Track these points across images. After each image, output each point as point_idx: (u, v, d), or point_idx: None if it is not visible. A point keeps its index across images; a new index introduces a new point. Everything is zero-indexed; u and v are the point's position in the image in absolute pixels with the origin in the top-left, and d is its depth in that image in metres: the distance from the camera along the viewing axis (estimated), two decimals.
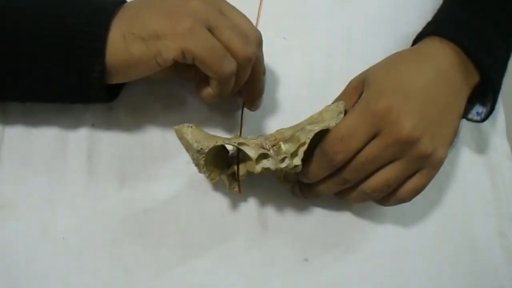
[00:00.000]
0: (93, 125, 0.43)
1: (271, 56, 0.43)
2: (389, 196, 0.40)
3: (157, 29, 0.34)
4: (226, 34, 0.35)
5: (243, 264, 0.41)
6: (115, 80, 0.37)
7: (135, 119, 0.43)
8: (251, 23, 0.38)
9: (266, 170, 0.37)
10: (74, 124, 0.42)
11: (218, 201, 0.42)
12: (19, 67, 0.36)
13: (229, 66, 0.36)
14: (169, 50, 0.34)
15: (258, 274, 0.41)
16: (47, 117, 0.42)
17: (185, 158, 0.42)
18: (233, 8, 0.38)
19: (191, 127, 0.38)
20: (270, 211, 0.43)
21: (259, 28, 0.39)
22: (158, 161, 0.43)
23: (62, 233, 0.40)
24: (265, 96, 0.45)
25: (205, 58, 0.35)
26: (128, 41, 0.35)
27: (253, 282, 0.41)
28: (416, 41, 0.44)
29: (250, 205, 0.43)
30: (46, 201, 0.40)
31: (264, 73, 0.41)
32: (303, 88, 0.46)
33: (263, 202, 0.43)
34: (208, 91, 0.38)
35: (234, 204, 0.43)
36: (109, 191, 0.41)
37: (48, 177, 0.41)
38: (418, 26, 0.45)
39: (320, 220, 0.43)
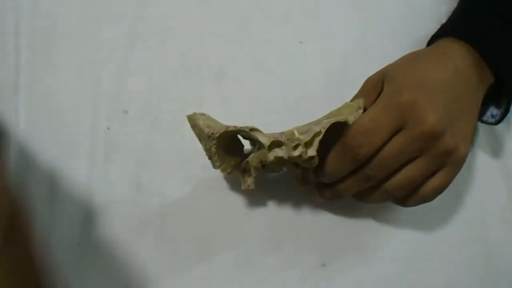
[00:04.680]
0: (109, 129, 0.42)
1: (287, 60, 0.42)
2: (410, 195, 0.39)
3: None
4: None
5: (260, 269, 0.41)
6: None
7: (150, 123, 0.43)
8: None
9: (279, 159, 0.36)
10: (90, 127, 0.42)
11: (234, 206, 0.42)
12: None
13: None
14: None
15: (275, 279, 0.41)
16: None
17: (201, 162, 0.42)
18: None
19: (204, 115, 0.37)
20: (287, 216, 0.42)
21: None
22: (174, 166, 0.42)
23: (77, 240, 0.40)
24: (280, 100, 0.45)
25: None
26: None
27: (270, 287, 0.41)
28: (430, 42, 0.44)
29: (267, 210, 0.42)
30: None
31: None
32: (319, 92, 0.46)
33: (280, 207, 0.43)
34: None
35: (251, 209, 0.42)
36: (125, 196, 0.41)
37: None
38: (433, 29, 0.44)
39: (337, 225, 0.43)
